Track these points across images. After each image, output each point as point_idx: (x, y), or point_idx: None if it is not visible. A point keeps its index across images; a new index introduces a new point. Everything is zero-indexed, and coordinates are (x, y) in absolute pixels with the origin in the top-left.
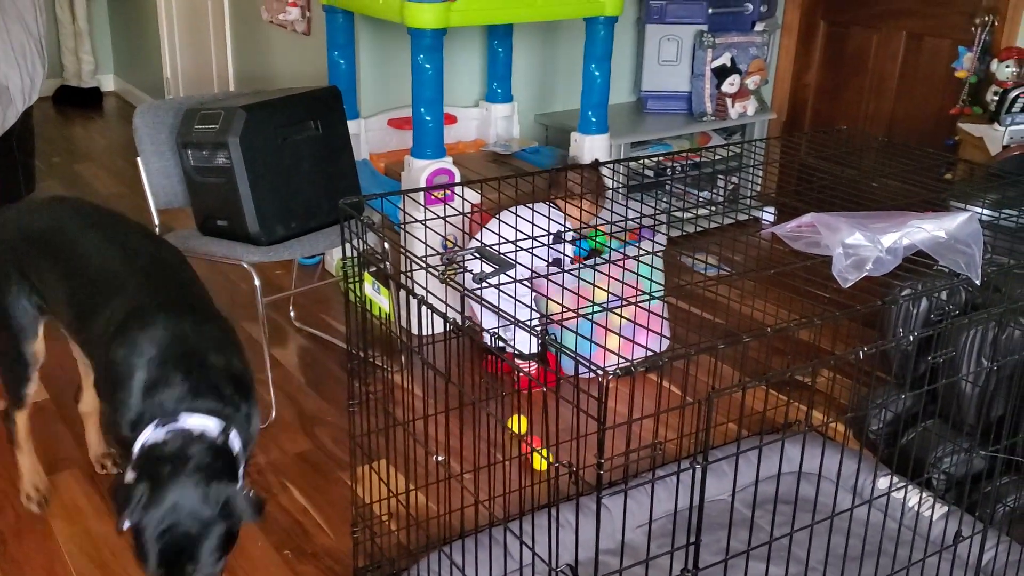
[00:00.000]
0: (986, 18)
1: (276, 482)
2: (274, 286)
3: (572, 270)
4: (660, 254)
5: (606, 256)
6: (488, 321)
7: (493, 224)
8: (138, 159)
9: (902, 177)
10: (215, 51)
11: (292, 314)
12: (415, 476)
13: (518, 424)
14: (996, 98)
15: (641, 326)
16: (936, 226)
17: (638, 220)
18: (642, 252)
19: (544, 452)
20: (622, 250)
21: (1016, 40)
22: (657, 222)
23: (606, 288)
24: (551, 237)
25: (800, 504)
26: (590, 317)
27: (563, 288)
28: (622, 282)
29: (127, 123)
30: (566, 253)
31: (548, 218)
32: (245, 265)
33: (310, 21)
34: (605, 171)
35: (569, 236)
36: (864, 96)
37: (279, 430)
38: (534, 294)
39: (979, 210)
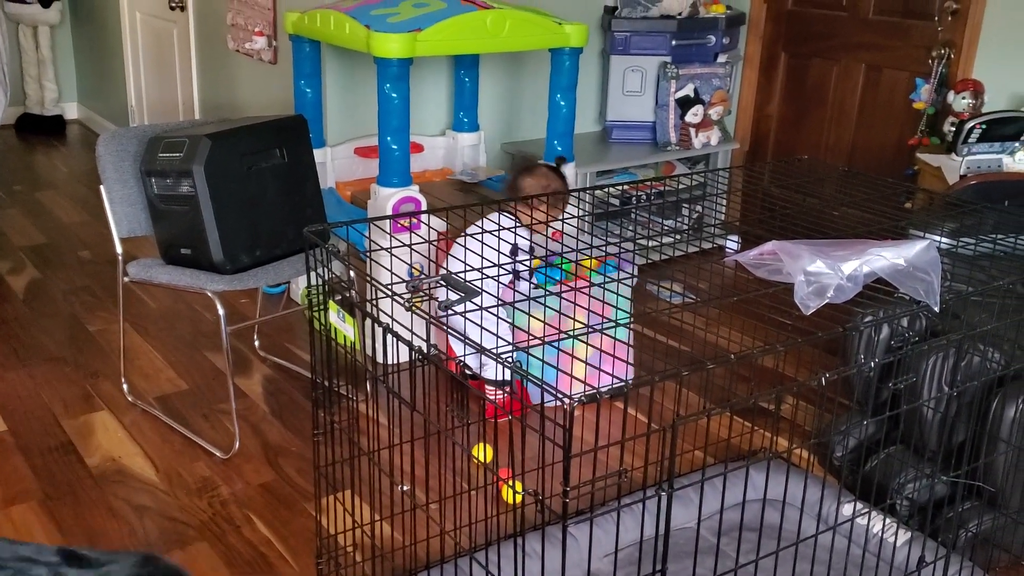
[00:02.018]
0: (942, 51)
1: (239, 514)
2: (239, 315)
3: (539, 297)
4: (628, 283)
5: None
6: (460, 347)
7: (457, 251)
8: (101, 187)
9: (863, 206)
10: (180, 79)
11: (256, 343)
12: (380, 507)
13: (483, 452)
14: (953, 129)
15: (607, 353)
16: (895, 254)
17: (605, 248)
18: (608, 280)
19: (517, 486)
20: (594, 276)
21: (971, 72)
22: (624, 250)
23: (573, 316)
24: (512, 250)
25: (765, 531)
26: (556, 345)
27: (528, 301)
28: (589, 310)
29: (90, 151)
30: (526, 264)
31: (514, 233)
32: (209, 294)
33: (276, 50)
34: (571, 199)
35: (527, 247)
36: (825, 126)
37: (243, 461)
38: (504, 315)
39: (938, 238)
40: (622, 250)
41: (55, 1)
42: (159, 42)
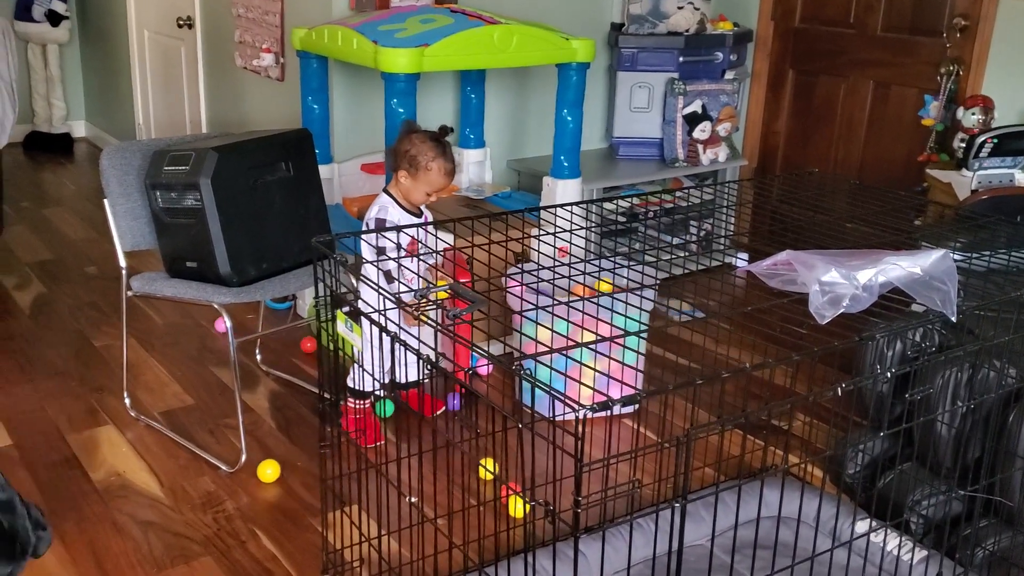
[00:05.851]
0: (951, 67)
1: (245, 529)
2: (244, 329)
3: (547, 306)
4: (643, 299)
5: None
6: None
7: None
8: (105, 200)
9: (874, 220)
10: (188, 97)
11: (259, 357)
12: (387, 521)
13: (492, 466)
14: (963, 144)
15: (617, 361)
16: (911, 263)
17: (614, 266)
18: (618, 290)
19: (524, 500)
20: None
21: (980, 88)
22: (635, 268)
23: (581, 325)
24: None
25: (779, 549)
26: (565, 353)
27: (536, 311)
28: (597, 318)
29: (97, 168)
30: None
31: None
32: (216, 306)
33: (284, 67)
34: (579, 210)
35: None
36: (833, 143)
37: (248, 475)
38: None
39: (950, 252)
40: (630, 267)
41: (64, 19)
42: (167, 60)
